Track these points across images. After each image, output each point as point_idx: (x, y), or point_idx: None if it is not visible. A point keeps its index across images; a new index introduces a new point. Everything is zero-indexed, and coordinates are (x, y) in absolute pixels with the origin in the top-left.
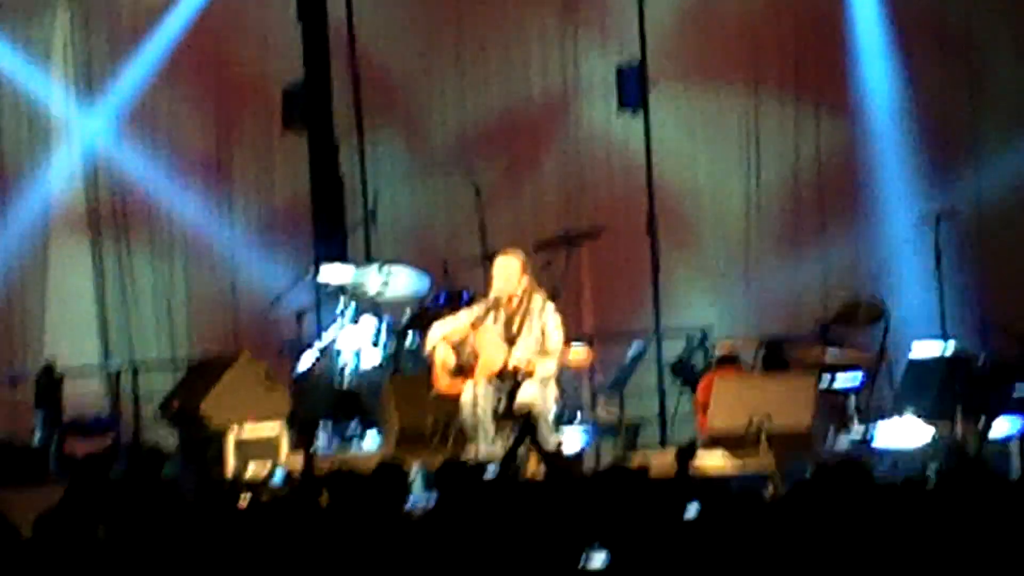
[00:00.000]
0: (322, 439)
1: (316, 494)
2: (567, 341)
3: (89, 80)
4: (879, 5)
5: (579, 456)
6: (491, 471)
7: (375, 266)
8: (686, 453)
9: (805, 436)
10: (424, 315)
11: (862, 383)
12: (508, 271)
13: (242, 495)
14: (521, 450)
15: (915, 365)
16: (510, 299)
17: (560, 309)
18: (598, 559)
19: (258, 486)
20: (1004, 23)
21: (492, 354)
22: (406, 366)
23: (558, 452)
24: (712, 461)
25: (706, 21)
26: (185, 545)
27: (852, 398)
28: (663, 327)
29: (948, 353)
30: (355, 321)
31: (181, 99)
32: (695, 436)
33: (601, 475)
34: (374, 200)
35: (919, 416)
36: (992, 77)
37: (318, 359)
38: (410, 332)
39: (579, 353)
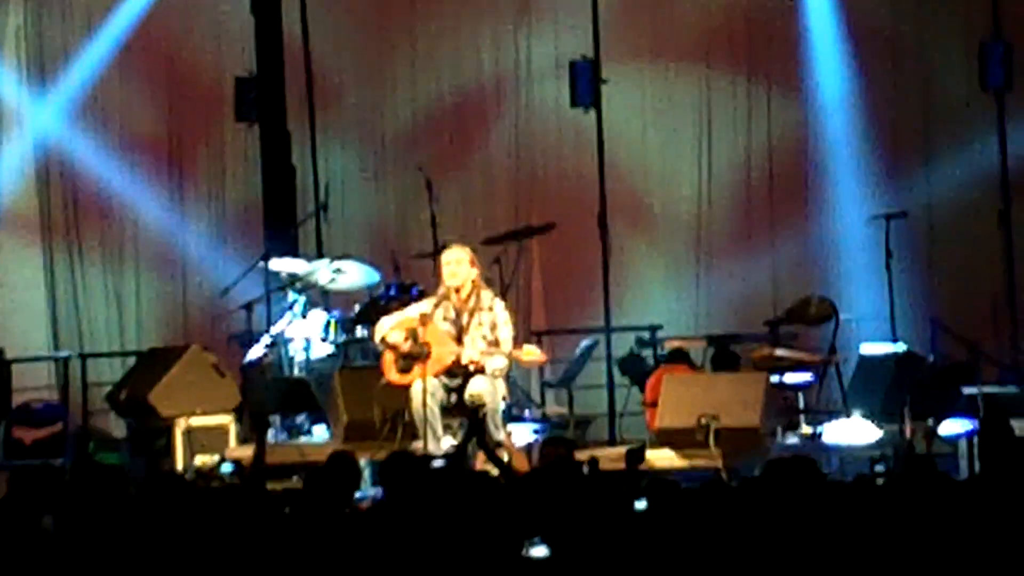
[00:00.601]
0: (271, 431)
1: (265, 484)
2: (517, 337)
3: (41, 69)
4: (832, 10)
5: (528, 451)
6: (439, 464)
7: (325, 260)
8: (635, 456)
9: (754, 434)
10: (374, 308)
11: (811, 382)
12: (455, 264)
13: (199, 485)
14: (470, 445)
15: (864, 365)
16: (459, 290)
17: (510, 304)
18: (539, 551)
19: (208, 476)
20: (955, 28)
21: (441, 348)
22: (355, 359)
23: (505, 448)
24: (661, 458)
25: (659, 29)
26: (133, 534)
27: (801, 396)
28: (613, 324)
29: (897, 353)
30: (304, 315)
31: (134, 90)
32: (645, 440)
33: (548, 469)
34: (325, 193)
35: (868, 416)
36: (943, 80)
37: (267, 351)
38: (359, 325)
39: (531, 352)
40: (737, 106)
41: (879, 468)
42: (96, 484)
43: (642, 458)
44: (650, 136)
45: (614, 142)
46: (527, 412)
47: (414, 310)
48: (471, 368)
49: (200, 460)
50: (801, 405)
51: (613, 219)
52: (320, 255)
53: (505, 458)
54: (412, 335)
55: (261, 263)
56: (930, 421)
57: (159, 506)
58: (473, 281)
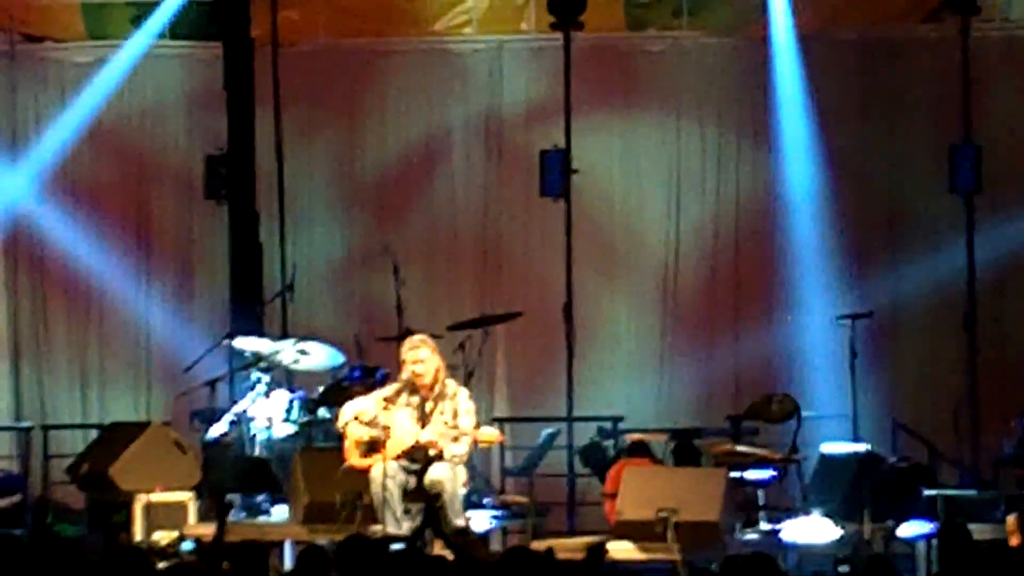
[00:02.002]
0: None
1: (223, 565)
2: (479, 424)
3: (13, 139)
4: (803, 111)
5: (486, 538)
6: (396, 547)
7: (290, 340)
8: (597, 553)
9: (713, 529)
10: (337, 390)
11: (772, 479)
12: (420, 353)
13: (155, 561)
14: (427, 531)
15: (825, 463)
16: (423, 381)
17: (473, 391)
18: None
19: (163, 552)
20: (925, 130)
21: (403, 433)
22: (317, 440)
23: (463, 534)
24: (619, 550)
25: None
26: None
27: (761, 493)
28: (575, 413)
29: (858, 453)
30: (267, 394)
31: (104, 164)
32: (606, 538)
33: (506, 557)
34: (292, 273)
35: (827, 515)
36: (912, 181)
37: (230, 429)
38: (322, 406)
39: (490, 436)
40: (705, 209)
41: (843, 569)
42: (53, 556)
43: (603, 556)
44: (618, 231)
45: (581, 235)
46: (487, 499)
47: (378, 395)
48: (431, 453)
49: (159, 536)
50: (761, 502)
51: (578, 310)
52: (285, 335)
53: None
54: (374, 421)
55: (226, 341)
56: (890, 522)
57: None
58: (437, 369)
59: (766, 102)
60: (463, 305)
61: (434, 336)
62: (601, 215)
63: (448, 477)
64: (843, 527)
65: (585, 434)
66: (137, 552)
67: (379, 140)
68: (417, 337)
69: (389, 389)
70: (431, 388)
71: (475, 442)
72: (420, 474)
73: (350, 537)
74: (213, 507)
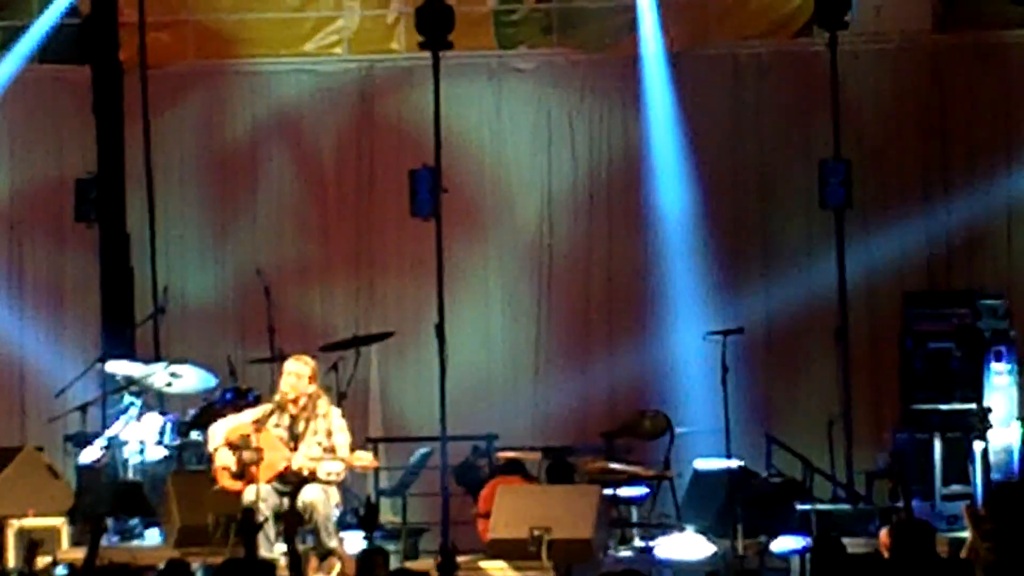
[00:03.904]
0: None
1: None
2: (353, 444)
3: None
4: (673, 124)
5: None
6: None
7: (162, 363)
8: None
9: (586, 546)
10: (209, 412)
11: (645, 496)
12: (296, 378)
13: None
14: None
15: (698, 480)
16: (296, 401)
17: (346, 411)
18: None
19: None
20: (795, 146)
21: (275, 455)
22: (189, 463)
23: (337, 555)
24: (494, 568)
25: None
26: None
27: (635, 510)
28: (449, 432)
29: (731, 469)
30: (139, 417)
31: None
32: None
33: None
34: (164, 296)
35: (701, 531)
36: (783, 197)
37: (102, 453)
38: (194, 429)
39: (364, 458)
40: (578, 223)
41: None
42: None
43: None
44: (491, 245)
45: (452, 251)
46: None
47: (248, 415)
48: (304, 474)
49: (34, 562)
50: (635, 519)
51: (450, 329)
52: (158, 358)
53: (337, 567)
54: (245, 441)
55: (98, 364)
56: (763, 537)
57: None
58: (310, 395)
59: (637, 118)
60: (335, 326)
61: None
62: (473, 232)
63: (321, 499)
64: (717, 543)
65: (460, 453)
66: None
67: (250, 160)
68: (300, 357)
69: (260, 410)
70: (303, 407)
71: (350, 466)
72: (293, 495)
73: (228, 561)
74: (87, 531)
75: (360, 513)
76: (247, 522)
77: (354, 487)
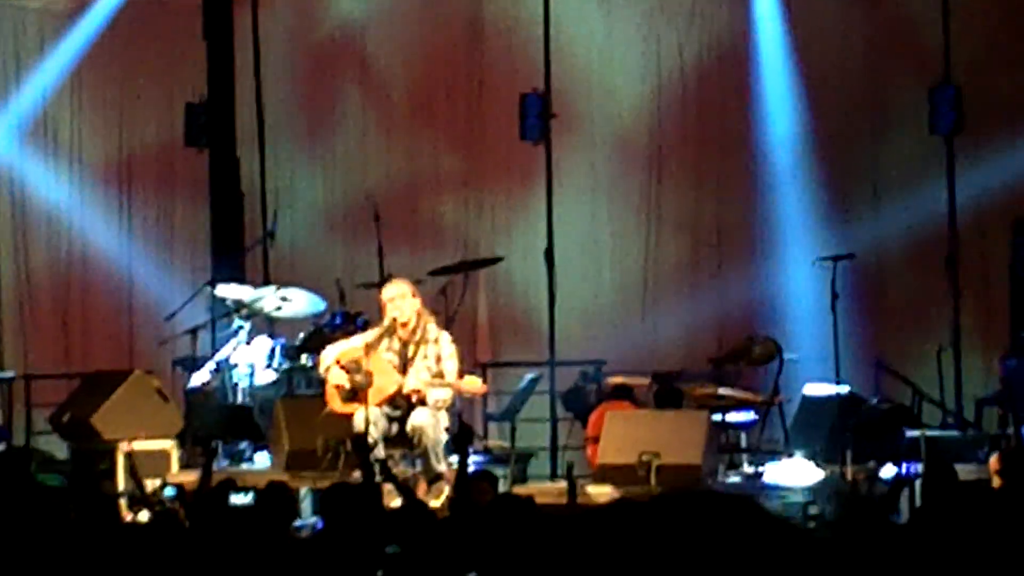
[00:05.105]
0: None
1: (208, 511)
2: (462, 369)
3: None
4: (783, 53)
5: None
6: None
7: (272, 287)
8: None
9: (695, 472)
10: (319, 336)
11: (754, 421)
12: (399, 299)
13: (136, 509)
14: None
15: (807, 405)
16: (404, 325)
17: (455, 336)
18: None
19: (150, 501)
20: (905, 72)
21: (384, 379)
22: (299, 387)
23: (446, 480)
24: (601, 493)
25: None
26: (72, 558)
27: (743, 436)
28: (557, 358)
29: (840, 395)
30: (249, 342)
31: (85, 112)
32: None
33: (493, 505)
34: (273, 220)
35: (809, 457)
36: (892, 123)
37: (211, 377)
38: (304, 353)
39: (473, 383)
40: (688, 145)
41: (812, 511)
42: (37, 505)
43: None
44: (600, 173)
45: (562, 176)
46: (471, 445)
47: (358, 340)
48: (414, 399)
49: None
50: (743, 444)
51: (559, 254)
52: (267, 282)
53: (446, 491)
54: (356, 365)
55: (207, 289)
56: (872, 463)
57: (98, 530)
58: (418, 312)
59: (747, 41)
60: (444, 251)
61: (416, 282)
62: (581, 157)
63: (430, 423)
64: (825, 469)
65: (567, 379)
66: (120, 501)
67: (360, 85)
68: (395, 280)
69: (371, 334)
70: (412, 331)
71: (459, 392)
72: (402, 420)
73: (335, 485)
74: (196, 455)
75: (454, 434)
76: (360, 443)
77: (464, 412)
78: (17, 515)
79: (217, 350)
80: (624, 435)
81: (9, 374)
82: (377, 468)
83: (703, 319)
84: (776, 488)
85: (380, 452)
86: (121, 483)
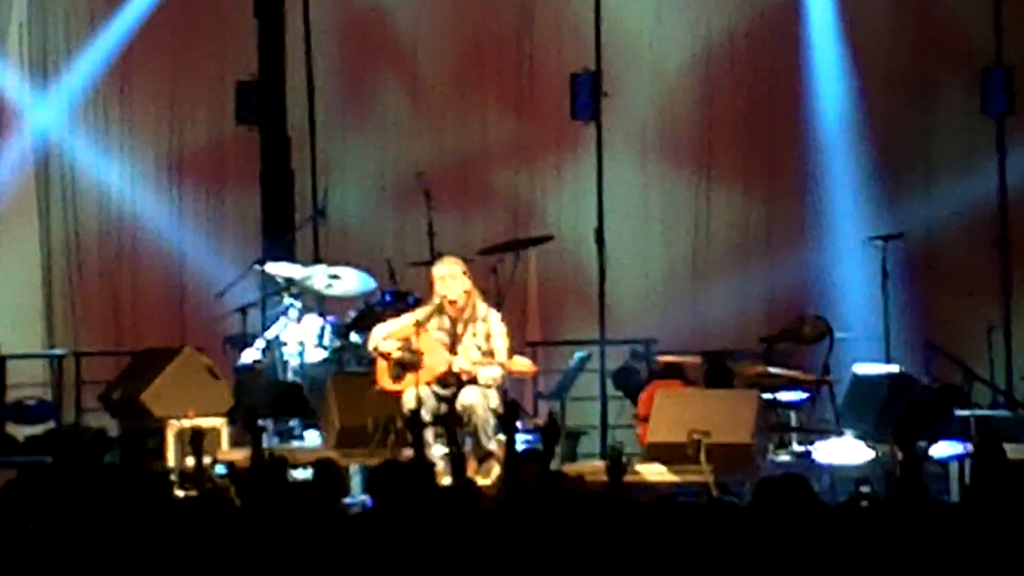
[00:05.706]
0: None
1: (257, 488)
2: (511, 348)
3: (44, 66)
4: (834, 31)
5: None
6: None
7: (322, 266)
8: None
9: (745, 451)
10: (369, 315)
11: (804, 401)
12: (450, 279)
13: (188, 487)
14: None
15: (858, 385)
16: (453, 304)
17: (505, 316)
18: None
19: (201, 479)
20: (957, 53)
21: (434, 357)
22: (349, 364)
23: (495, 458)
24: (651, 472)
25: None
26: (123, 534)
27: (793, 415)
28: (608, 336)
29: (891, 374)
30: (299, 320)
31: (135, 90)
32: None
33: (542, 483)
34: (324, 199)
35: (860, 436)
36: (944, 104)
37: (262, 355)
38: (354, 331)
39: (523, 367)
40: (738, 125)
41: (864, 490)
42: (91, 483)
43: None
44: (650, 153)
45: (611, 156)
46: (519, 423)
47: (409, 318)
48: (463, 378)
49: (191, 462)
50: (793, 423)
51: (609, 233)
52: (317, 260)
53: (496, 469)
54: (406, 343)
55: (257, 267)
56: (922, 443)
57: (148, 507)
58: (468, 292)
59: (799, 24)
60: (495, 230)
61: (466, 260)
62: (632, 135)
63: (480, 402)
64: (875, 448)
65: (617, 357)
66: (170, 478)
67: (411, 62)
68: (446, 258)
69: (421, 312)
70: (461, 309)
71: (508, 372)
72: (452, 399)
73: (385, 462)
74: (246, 433)
75: (500, 413)
76: (414, 421)
77: (514, 390)
78: (69, 492)
79: (267, 328)
80: (674, 414)
81: (59, 351)
82: (445, 439)
83: (753, 298)
84: (827, 468)
85: (428, 432)
86: (171, 459)
